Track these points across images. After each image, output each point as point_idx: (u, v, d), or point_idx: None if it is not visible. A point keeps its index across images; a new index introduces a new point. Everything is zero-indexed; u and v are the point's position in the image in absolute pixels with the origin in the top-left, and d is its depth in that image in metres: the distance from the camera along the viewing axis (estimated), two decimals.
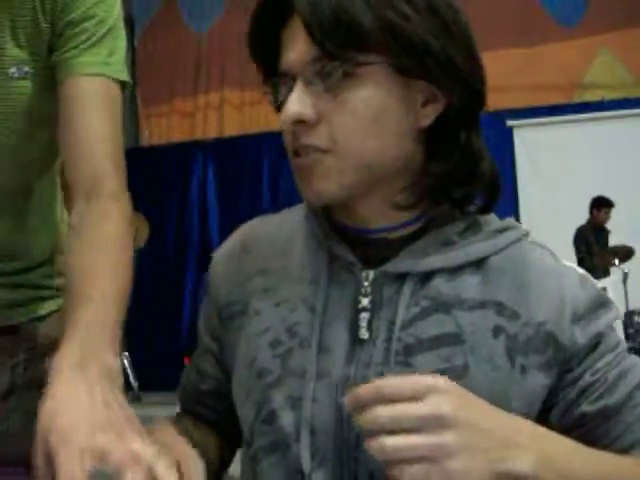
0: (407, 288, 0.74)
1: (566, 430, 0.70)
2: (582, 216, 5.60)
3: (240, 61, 5.86)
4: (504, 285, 0.75)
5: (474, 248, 0.76)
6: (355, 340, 0.75)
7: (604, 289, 4.01)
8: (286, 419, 0.75)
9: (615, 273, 5.40)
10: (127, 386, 4.90)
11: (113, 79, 0.98)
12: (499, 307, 0.74)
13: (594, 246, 5.55)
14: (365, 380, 0.66)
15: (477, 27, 0.75)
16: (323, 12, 0.69)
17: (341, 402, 0.72)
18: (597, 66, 5.76)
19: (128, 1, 5.65)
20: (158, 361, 5.74)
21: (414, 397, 0.57)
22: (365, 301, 0.76)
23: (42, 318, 1.12)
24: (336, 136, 0.72)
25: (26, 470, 0.71)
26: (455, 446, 0.57)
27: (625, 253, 5.41)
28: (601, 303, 0.75)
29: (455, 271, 0.75)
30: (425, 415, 0.57)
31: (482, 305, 0.74)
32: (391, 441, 0.56)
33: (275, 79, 0.77)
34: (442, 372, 0.64)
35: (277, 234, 0.85)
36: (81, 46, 0.97)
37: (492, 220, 0.79)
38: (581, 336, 0.73)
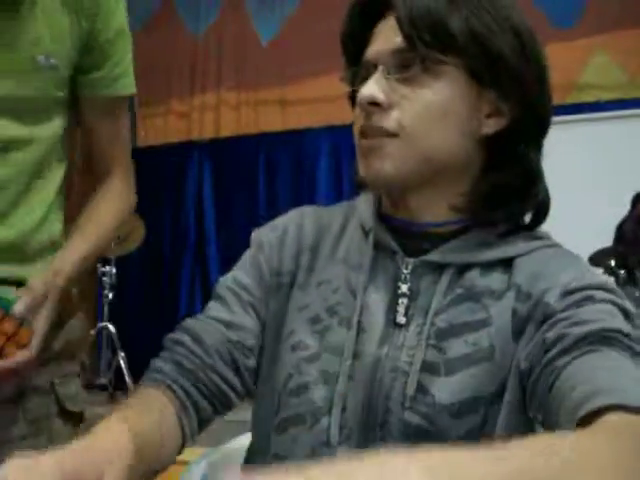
0: (445, 278, 0.81)
1: (535, 382, 0.72)
2: (579, 216, 5.60)
3: (236, 62, 5.85)
4: (523, 274, 0.80)
5: (509, 249, 0.82)
6: (390, 323, 0.81)
7: None
8: (317, 392, 0.79)
9: None
10: (122, 385, 4.90)
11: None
12: (518, 293, 0.79)
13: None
14: (396, 360, 0.76)
15: None
16: (417, 10, 0.77)
17: (372, 380, 0.78)
18: (593, 67, 5.77)
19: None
20: None
21: None
22: (404, 287, 0.82)
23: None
24: (404, 122, 0.79)
25: None
26: None
27: None
28: (600, 286, 0.77)
29: (488, 266, 0.81)
30: None
31: (506, 291, 0.80)
32: None
33: (356, 68, 0.85)
34: (470, 355, 0.74)
35: (331, 220, 0.92)
36: (116, 70, 1.19)
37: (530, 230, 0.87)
38: (566, 302, 0.75)
